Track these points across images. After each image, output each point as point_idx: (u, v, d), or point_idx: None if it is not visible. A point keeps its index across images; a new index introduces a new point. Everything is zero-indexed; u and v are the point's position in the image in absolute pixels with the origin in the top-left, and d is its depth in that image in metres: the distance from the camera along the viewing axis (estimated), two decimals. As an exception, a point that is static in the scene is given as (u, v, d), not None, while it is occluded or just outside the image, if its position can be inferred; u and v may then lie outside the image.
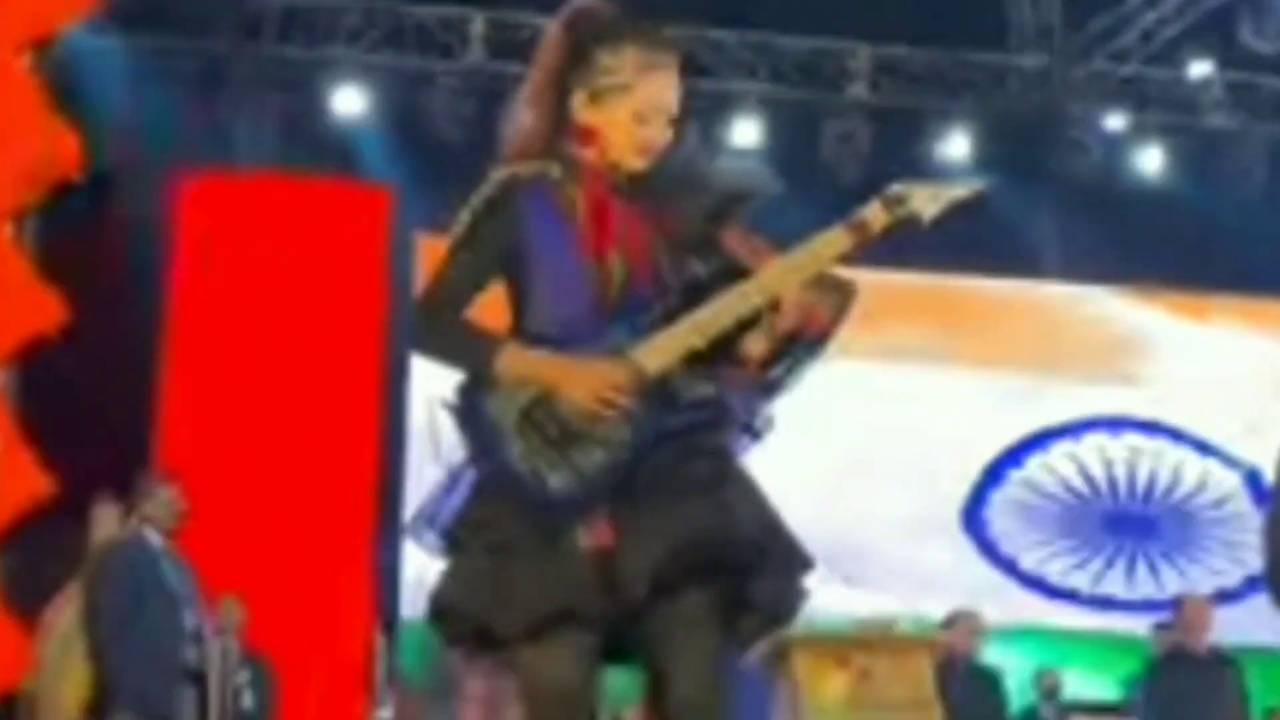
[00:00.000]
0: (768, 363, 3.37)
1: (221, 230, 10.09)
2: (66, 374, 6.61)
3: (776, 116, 13.26)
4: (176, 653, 7.45)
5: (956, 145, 13.38)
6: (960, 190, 3.40)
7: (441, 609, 3.42)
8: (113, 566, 7.46)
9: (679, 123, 3.45)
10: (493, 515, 3.34)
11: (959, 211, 3.37)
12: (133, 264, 10.55)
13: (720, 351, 3.37)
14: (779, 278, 3.31)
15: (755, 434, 3.42)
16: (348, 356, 10.00)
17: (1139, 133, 13.65)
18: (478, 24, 12.78)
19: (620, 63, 3.39)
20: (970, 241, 11.72)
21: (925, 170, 12.50)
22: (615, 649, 3.41)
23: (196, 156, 11.32)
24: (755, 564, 3.33)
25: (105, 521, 8.27)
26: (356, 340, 10.08)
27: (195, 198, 10.27)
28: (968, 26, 13.19)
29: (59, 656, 7.39)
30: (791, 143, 13.08)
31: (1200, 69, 13.52)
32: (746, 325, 3.33)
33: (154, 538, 7.59)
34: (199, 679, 7.60)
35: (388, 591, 10.94)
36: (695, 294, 3.37)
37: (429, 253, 11.96)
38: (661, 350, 3.32)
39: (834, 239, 3.33)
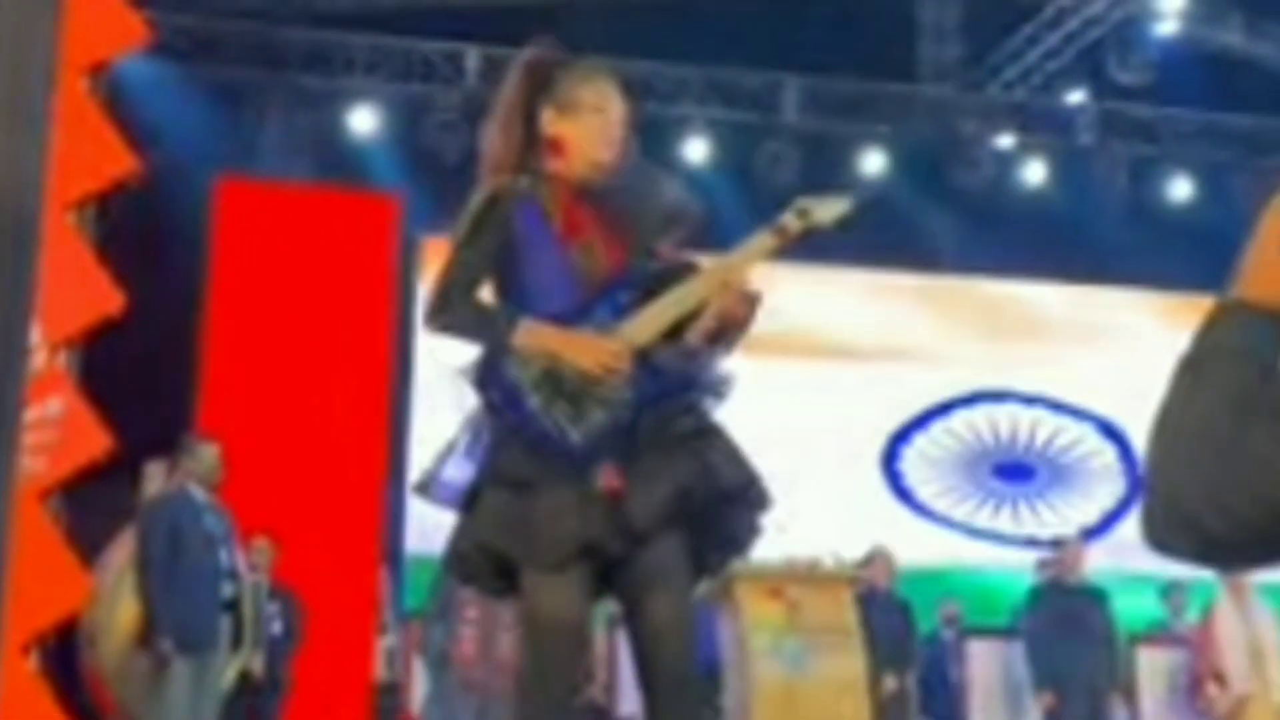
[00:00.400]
0: (708, 344, 3.44)
1: (254, 229, 9.95)
2: (122, 351, 6.47)
3: (721, 137, 13.20)
4: (214, 587, 7.37)
5: (872, 161, 13.35)
6: (841, 204, 3.56)
7: (463, 550, 3.43)
8: (158, 516, 7.38)
9: (628, 138, 3.52)
10: (514, 462, 3.35)
11: (857, 217, 3.56)
12: (179, 257, 10.44)
13: (678, 331, 3.44)
14: (729, 268, 3.44)
15: (721, 395, 3.49)
16: (362, 337, 9.91)
17: (1024, 150, 13.66)
18: (472, 57, 12.70)
19: (576, 85, 3.46)
20: (887, 241, 11.72)
21: (846, 182, 12.46)
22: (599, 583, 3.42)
23: (233, 165, 11.23)
24: (728, 505, 3.41)
25: (154, 478, 8.19)
26: (369, 323, 9.98)
27: (232, 200, 10.12)
28: (882, 62, 13.16)
29: (113, 590, 7.31)
30: (733, 159, 13.02)
31: (1075, 97, 13.55)
32: (703, 306, 3.41)
33: (197, 490, 7.50)
34: (234, 609, 7.53)
35: (394, 534, 10.88)
36: (652, 288, 3.44)
37: (431, 251, 11.88)
38: (645, 326, 3.39)
39: (763, 241, 3.48)
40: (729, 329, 3.42)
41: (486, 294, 3.51)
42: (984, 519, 13.36)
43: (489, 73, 12.37)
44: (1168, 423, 1.41)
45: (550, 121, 3.46)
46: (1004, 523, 13.35)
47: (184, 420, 9.23)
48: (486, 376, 3.36)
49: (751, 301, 3.45)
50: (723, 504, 3.40)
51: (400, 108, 12.67)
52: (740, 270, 3.43)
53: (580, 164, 3.46)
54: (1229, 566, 1.47)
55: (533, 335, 3.35)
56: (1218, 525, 1.35)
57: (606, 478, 3.29)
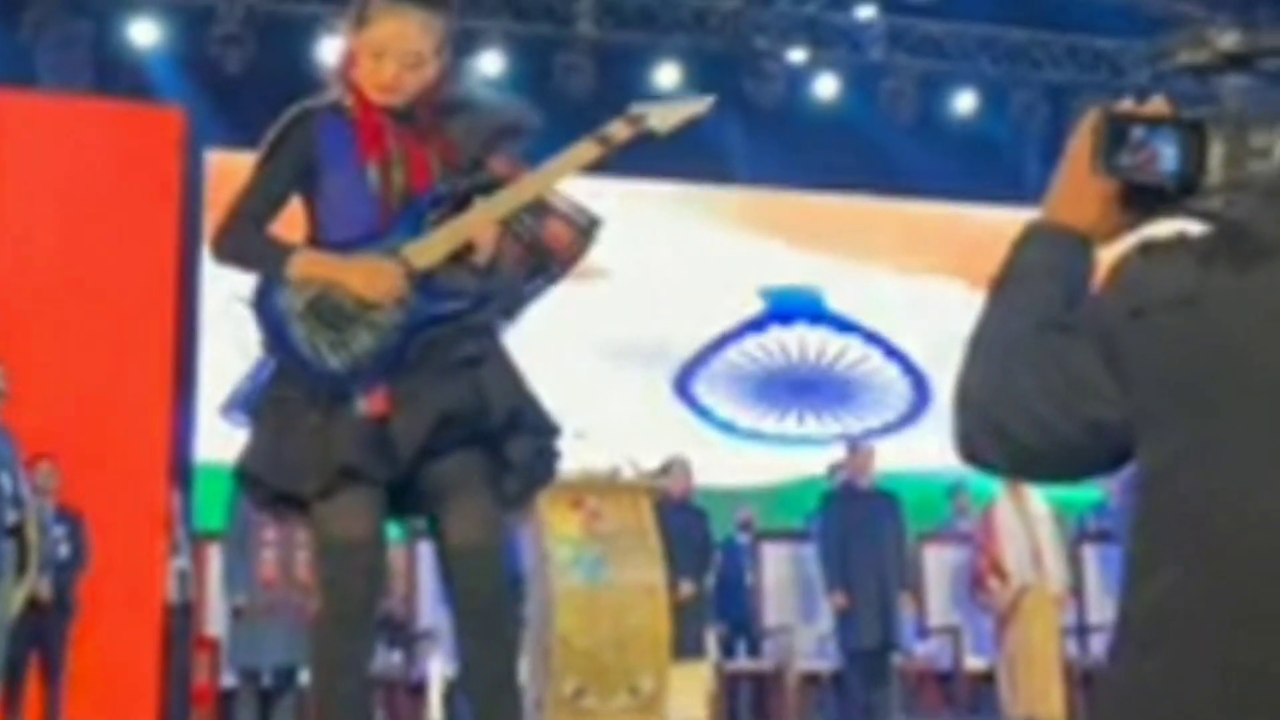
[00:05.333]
0: (529, 274, 3.37)
1: (31, 142, 9.54)
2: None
3: (516, 51, 13.06)
4: (-3, 512, 7.16)
5: (666, 74, 13.35)
6: (689, 107, 3.44)
7: (246, 477, 3.41)
8: (-67, 438, 7.12)
9: (429, 64, 3.34)
10: (286, 393, 3.32)
11: (688, 124, 3.39)
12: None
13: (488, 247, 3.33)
14: (534, 183, 3.31)
15: (511, 317, 3.42)
16: (146, 253, 9.59)
17: (816, 65, 13.76)
18: (256, -32, 12.31)
19: (369, 8, 3.33)
20: (678, 154, 11.72)
21: (641, 96, 12.42)
22: (399, 505, 3.39)
23: (7, 77, 10.78)
24: (507, 431, 3.35)
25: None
26: (153, 237, 9.67)
27: (6, 112, 9.67)
28: (675, -25, 13.12)
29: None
30: (529, 73, 12.88)
31: (866, 13, 13.68)
32: (506, 225, 3.31)
33: (-24, 414, 7.27)
34: (18, 535, 7.32)
35: (182, 454, 10.66)
36: (462, 204, 3.34)
37: (216, 165, 11.56)
38: (430, 249, 3.29)
39: (583, 150, 3.33)
40: (552, 252, 3.33)
41: (289, 227, 3.40)
42: (772, 425, 13.49)
43: (273, -15, 12.04)
44: (980, 338, 1.45)
45: (347, 33, 3.38)
46: (791, 427, 13.50)
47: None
48: (259, 307, 3.33)
49: (584, 226, 3.35)
50: (499, 431, 3.34)
51: (182, 19, 12.27)
52: (548, 182, 3.31)
53: (362, 85, 3.36)
54: (1039, 477, 1.50)
55: (308, 264, 3.29)
56: (1027, 435, 1.40)
57: (374, 403, 3.25)
